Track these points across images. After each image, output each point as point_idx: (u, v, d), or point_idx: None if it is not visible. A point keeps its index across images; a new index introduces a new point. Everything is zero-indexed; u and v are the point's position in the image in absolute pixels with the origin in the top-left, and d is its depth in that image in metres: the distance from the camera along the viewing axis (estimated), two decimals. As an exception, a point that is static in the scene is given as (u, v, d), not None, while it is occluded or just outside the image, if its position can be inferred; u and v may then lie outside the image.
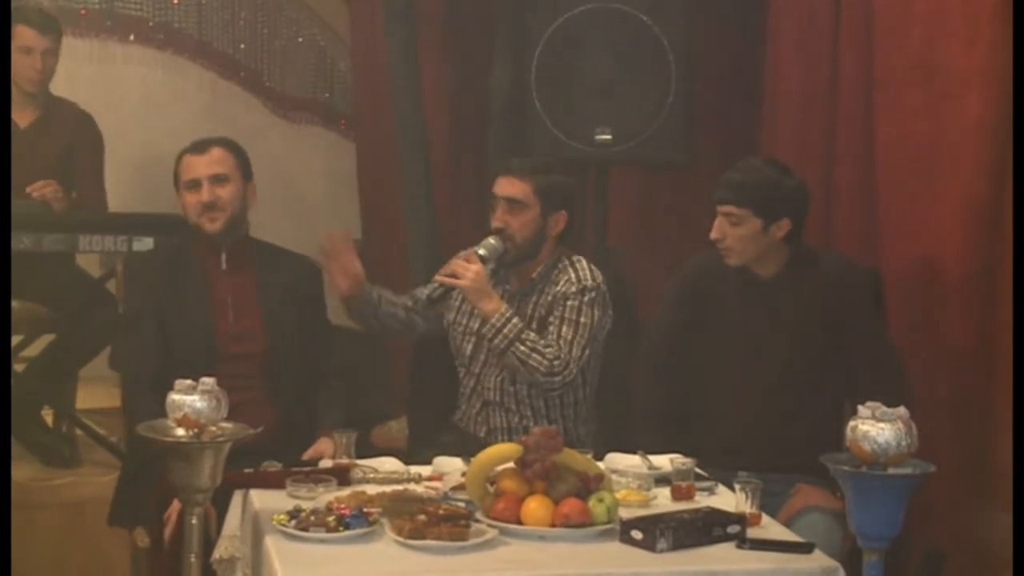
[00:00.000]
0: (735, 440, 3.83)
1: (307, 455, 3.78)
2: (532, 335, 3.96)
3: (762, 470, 3.61)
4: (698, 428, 3.92)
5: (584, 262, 4.12)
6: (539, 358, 3.92)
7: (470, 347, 4.15)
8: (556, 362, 3.93)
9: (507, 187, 4.06)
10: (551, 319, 4.01)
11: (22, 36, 4.96)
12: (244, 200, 4.04)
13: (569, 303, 4.01)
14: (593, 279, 4.06)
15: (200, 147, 4.01)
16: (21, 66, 4.99)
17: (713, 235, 3.79)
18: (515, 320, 3.96)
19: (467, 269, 3.94)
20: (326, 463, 3.59)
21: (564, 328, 3.98)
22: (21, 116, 5.05)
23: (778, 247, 3.80)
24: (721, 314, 3.89)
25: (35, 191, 4.73)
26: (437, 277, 3.99)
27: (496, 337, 3.94)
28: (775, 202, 3.75)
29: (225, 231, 3.99)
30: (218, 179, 3.98)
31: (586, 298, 4.01)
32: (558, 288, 4.05)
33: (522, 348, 3.91)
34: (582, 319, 4.00)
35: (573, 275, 4.06)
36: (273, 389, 3.97)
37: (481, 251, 4.00)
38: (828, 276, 3.81)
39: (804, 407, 3.79)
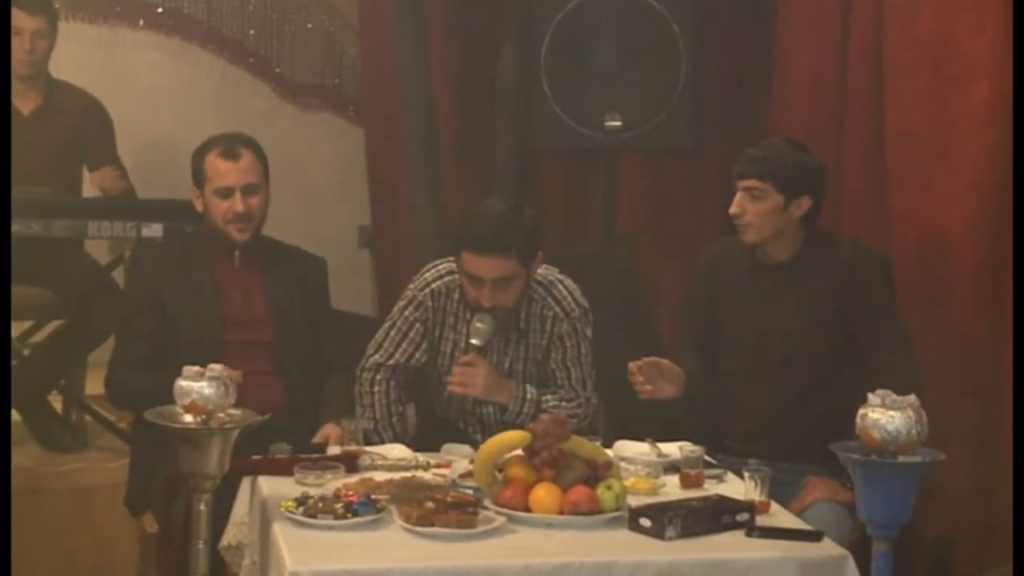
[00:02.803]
0: (746, 427, 3.83)
1: (316, 439, 3.78)
2: (549, 397, 3.92)
3: (773, 458, 3.61)
4: (710, 415, 3.91)
5: (550, 279, 3.97)
6: (566, 415, 3.75)
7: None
8: (579, 410, 3.94)
9: (492, 269, 3.75)
10: (553, 361, 3.95)
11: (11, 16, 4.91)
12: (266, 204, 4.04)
13: (568, 344, 3.95)
14: (574, 300, 3.96)
15: (231, 151, 3.93)
16: (12, 48, 4.95)
17: (733, 210, 3.79)
18: (530, 395, 3.91)
19: (475, 376, 3.81)
20: (334, 450, 3.59)
21: (572, 371, 3.96)
22: (23, 103, 5.02)
23: (795, 228, 3.80)
24: (733, 300, 3.89)
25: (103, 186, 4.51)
26: (451, 388, 3.86)
27: (520, 417, 3.86)
28: (798, 179, 3.75)
29: (250, 239, 3.98)
30: (250, 189, 3.94)
31: (578, 327, 3.94)
32: (549, 326, 3.93)
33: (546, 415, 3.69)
34: (583, 351, 3.97)
35: (555, 305, 3.94)
36: (281, 370, 3.98)
37: (475, 341, 3.81)
38: (841, 260, 3.80)
39: (816, 394, 3.78)
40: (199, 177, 3.96)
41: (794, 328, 3.80)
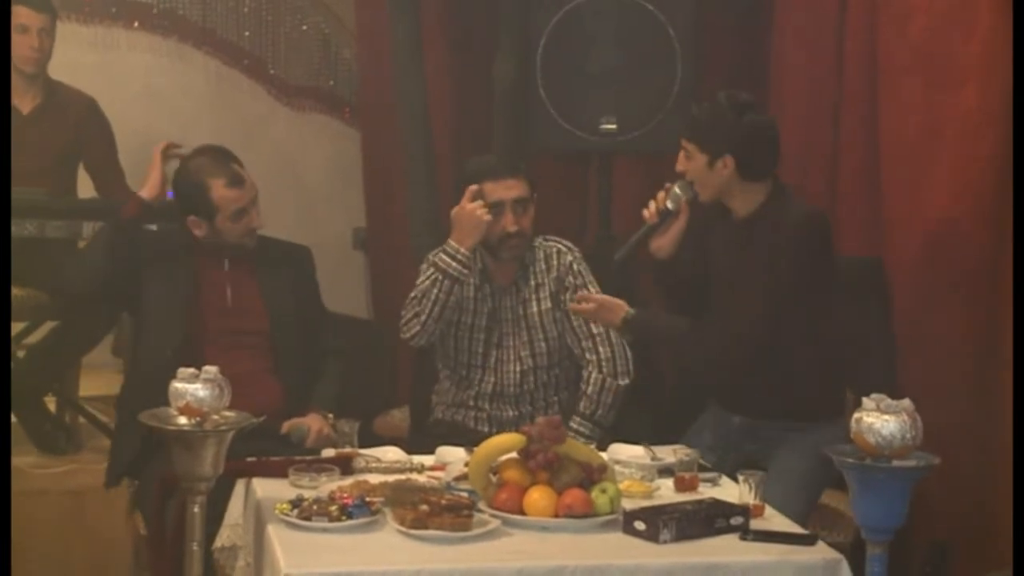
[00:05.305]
0: (726, 385, 3.85)
1: (286, 426, 3.86)
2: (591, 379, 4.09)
3: (753, 416, 3.65)
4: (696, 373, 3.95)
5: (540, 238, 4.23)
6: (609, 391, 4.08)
7: (481, 344, 4.15)
8: (609, 378, 4.08)
9: (512, 189, 4.07)
10: (574, 318, 4.09)
11: (17, 14, 4.92)
12: None
13: (580, 280, 4.13)
14: (563, 244, 4.22)
15: (236, 179, 3.97)
16: (18, 46, 4.97)
17: (677, 167, 3.80)
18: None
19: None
20: (328, 452, 3.59)
21: (594, 328, 4.09)
22: (22, 101, 5.04)
23: (740, 186, 3.74)
24: (711, 254, 3.87)
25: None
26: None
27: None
28: (716, 139, 3.71)
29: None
30: (254, 201, 4.03)
31: (583, 265, 4.17)
32: (555, 260, 4.16)
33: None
34: (593, 291, 4.11)
35: (556, 243, 4.21)
36: (276, 364, 4.03)
37: (670, 206, 3.88)
38: (789, 217, 3.72)
39: (785, 351, 3.72)
40: (207, 209, 3.96)
41: (756, 284, 3.72)
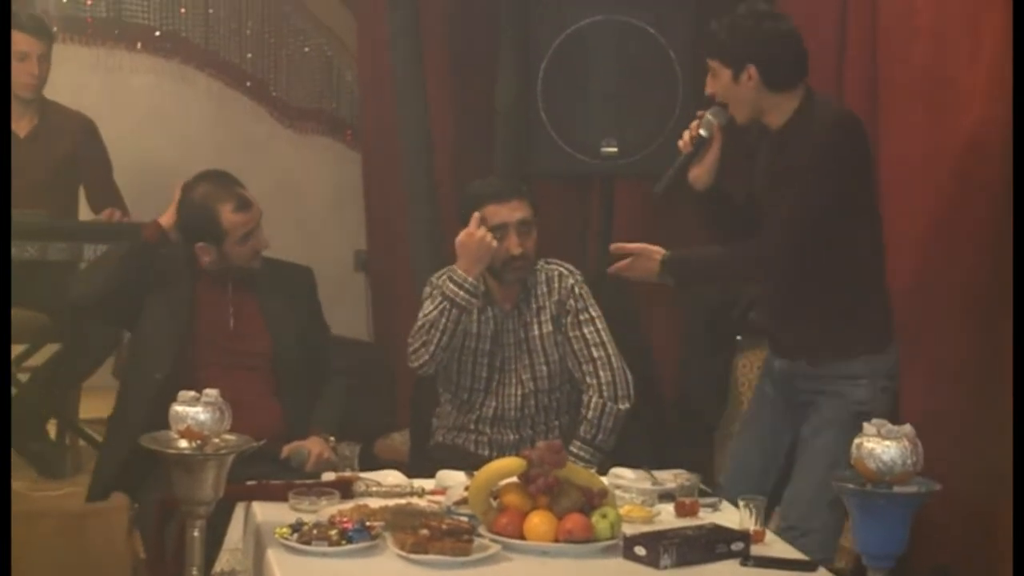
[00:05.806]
0: (761, 318, 3.81)
1: (286, 450, 3.87)
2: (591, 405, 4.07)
3: (789, 356, 3.66)
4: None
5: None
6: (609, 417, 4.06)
7: (485, 369, 4.15)
8: (610, 403, 4.06)
9: (516, 211, 4.07)
10: (576, 342, 4.11)
11: (17, 41, 4.94)
12: None
13: (582, 318, 4.11)
14: (565, 267, 4.20)
15: (243, 203, 3.99)
16: (17, 72, 4.98)
17: (706, 90, 3.73)
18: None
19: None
20: (328, 476, 3.59)
21: (595, 352, 4.09)
22: (19, 125, 5.05)
23: (768, 98, 3.64)
24: (748, 169, 3.80)
25: None
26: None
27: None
28: (738, 50, 3.61)
29: None
30: (259, 224, 4.05)
31: (585, 289, 4.15)
32: (557, 283, 4.16)
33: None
34: (599, 325, 4.12)
35: (558, 267, 4.19)
36: (278, 387, 4.04)
37: (704, 133, 3.75)
38: (816, 122, 3.61)
39: (816, 279, 3.62)
40: (216, 235, 3.98)
41: (789, 193, 3.59)
